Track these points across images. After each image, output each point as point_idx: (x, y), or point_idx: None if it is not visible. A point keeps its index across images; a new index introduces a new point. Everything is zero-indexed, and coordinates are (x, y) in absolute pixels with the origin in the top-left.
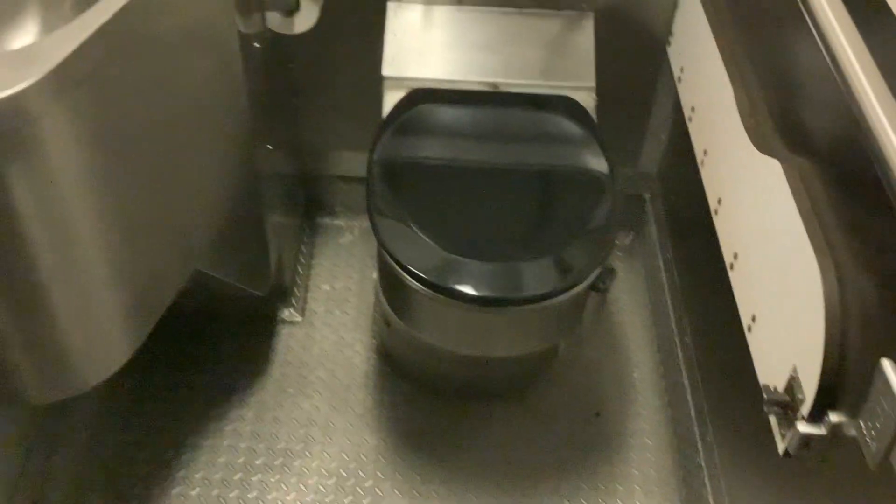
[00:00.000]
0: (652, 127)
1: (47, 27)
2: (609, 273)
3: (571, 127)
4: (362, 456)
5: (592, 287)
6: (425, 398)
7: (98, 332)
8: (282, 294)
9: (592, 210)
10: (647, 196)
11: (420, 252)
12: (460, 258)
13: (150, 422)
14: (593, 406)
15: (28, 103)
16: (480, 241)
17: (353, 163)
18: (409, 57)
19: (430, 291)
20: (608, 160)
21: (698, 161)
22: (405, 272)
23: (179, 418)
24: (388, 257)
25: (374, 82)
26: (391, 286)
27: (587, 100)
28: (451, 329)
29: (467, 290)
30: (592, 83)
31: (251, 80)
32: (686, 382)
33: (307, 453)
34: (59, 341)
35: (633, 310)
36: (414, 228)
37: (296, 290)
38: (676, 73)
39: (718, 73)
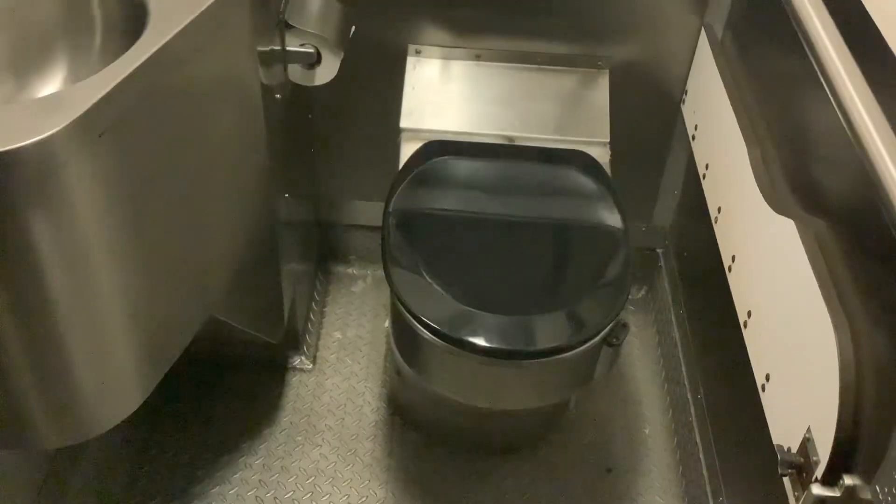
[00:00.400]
0: (665, 182)
1: (74, 76)
2: (622, 328)
3: (586, 181)
4: None
5: (605, 342)
6: (434, 450)
7: (112, 376)
8: (294, 341)
9: (606, 264)
10: (659, 251)
11: (434, 303)
12: (474, 310)
13: (158, 468)
14: (605, 462)
15: (53, 149)
16: (494, 294)
17: (368, 212)
18: (427, 109)
19: (442, 342)
20: (622, 215)
21: (712, 218)
22: (418, 322)
23: (187, 464)
24: (401, 307)
25: (392, 133)
26: (404, 336)
27: (602, 154)
28: (463, 381)
29: (480, 341)
30: (607, 138)
31: (272, 130)
32: (698, 440)
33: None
34: (73, 385)
35: (645, 364)
36: (428, 279)
37: (308, 337)
38: (690, 130)
39: (732, 132)
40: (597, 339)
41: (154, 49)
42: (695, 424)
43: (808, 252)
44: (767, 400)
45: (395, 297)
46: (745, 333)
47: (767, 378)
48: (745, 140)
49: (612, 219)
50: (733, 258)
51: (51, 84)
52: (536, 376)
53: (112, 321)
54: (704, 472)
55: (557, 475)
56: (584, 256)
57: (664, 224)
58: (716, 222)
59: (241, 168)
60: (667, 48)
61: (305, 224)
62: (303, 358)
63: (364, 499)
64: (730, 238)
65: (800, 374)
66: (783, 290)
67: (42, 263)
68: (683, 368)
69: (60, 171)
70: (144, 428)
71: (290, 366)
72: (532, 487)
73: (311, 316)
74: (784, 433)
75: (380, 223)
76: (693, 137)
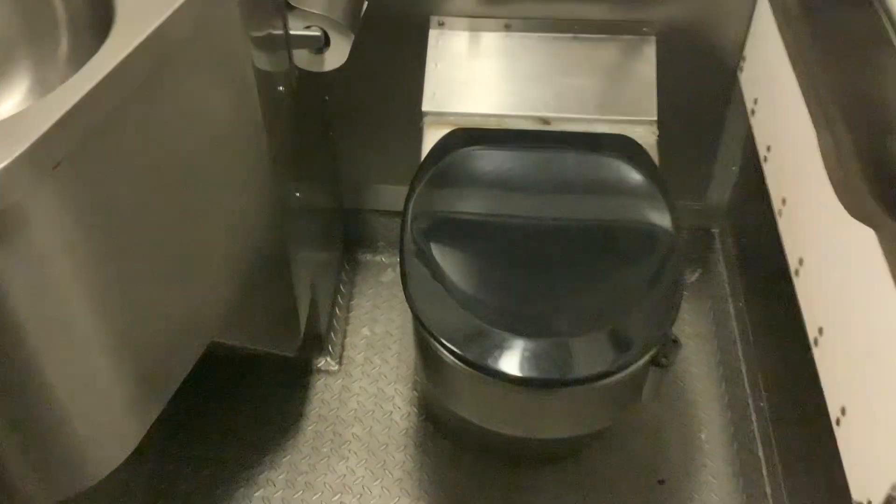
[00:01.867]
0: (722, 156)
1: (40, 87)
2: (673, 345)
3: (631, 173)
4: None
5: (653, 362)
6: (470, 460)
7: (102, 424)
8: (317, 340)
9: (653, 274)
10: (715, 231)
11: (458, 324)
12: (503, 332)
13: (175, 485)
14: (656, 472)
15: (8, 183)
16: (526, 312)
17: (394, 197)
18: (452, 90)
19: (467, 368)
20: (672, 213)
21: (775, 209)
22: (440, 346)
23: (206, 482)
24: (422, 329)
25: (415, 115)
26: (426, 356)
27: (648, 136)
28: (492, 408)
29: (510, 369)
30: (654, 115)
31: (275, 122)
32: (761, 453)
33: None
34: (59, 438)
35: (699, 359)
36: (452, 297)
37: (333, 335)
38: (749, 104)
39: (798, 110)
40: (642, 361)
41: (114, 63)
42: (756, 434)
43: (891, 268)
44: (843, 438)
45: (415, 317)
46: (816, 353)
47: (843, 412)
48: (814, 122)
49: (661, 218)
50: (801, 261)
51: (13, 98)
52: (574, 404)
53: (96, 364)
54: (767, 488)
55: (605, 487)
56: (628, 264)
57: (720, 202)
58: (780, 215)
59: (240, 168)
60: (721, 9)
61: (327, 213)
62: (328, 358)
63: None
64: (796, 237)
65: (883, 413)
66: (862, 309)
67: (11, 310)
68: (743, 369)
69: (19, 207)
70: (159, 439)
71: (314, 368)
72: (578, 502)
73: (337, 310)
74: (863, 485)
75: None
76: (752, 112)
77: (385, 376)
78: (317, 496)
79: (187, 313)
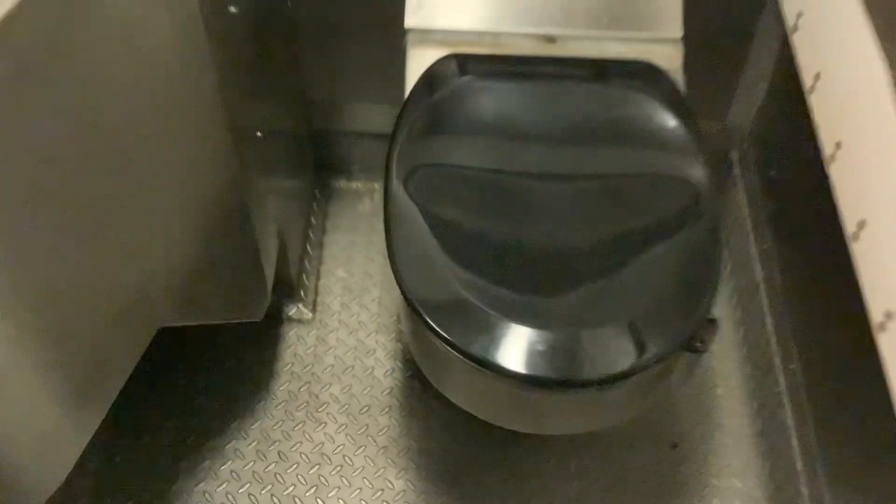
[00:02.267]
0: (749, 75)
1: None
2: (709, 326)
3: (654, 109)
4: None
5: (686, 347)
6: (464, 423)
7: (37, 440)
8: (288, 285)
9: (688, 245)
10: (734, 156)
11: (456, 309)
12: (511, 322)
13: (131, 460)
14: (669, 435)
15: None
16: (537, 295)
17: (371, 116)
18: (440, 0)
19: (470, 363)
20: (704, 157)
21: (825, 155)
22: (437, 337)
23: (166, 455)
24: (414, 315)
25: (393, 20)
26: (420, 343)
27: (672, 57)
28: (497, 405)
29: (518, 367)
30: (679, 32)
31: (227, 56)
32: (789, 412)
33: (318, 501)
34: None
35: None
36: (449, 277)
37: (305, 278)
38: (791, 18)
39: (859, 33)
40: (674, 352)
41: None
42: (785, 397)
43: None
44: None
45: (406, 301)
46: (855, 248)
47: (889, 316)
48: (883, 50)
49: (692, 166)
50: (861, 224)
51: None
52: (593, 403)
53: (18, 376)
54: (796, 445)
55: (613, 453)
56: (656, 229)
57: (743, 123)
58: (832, 161)
59: (184, 110)
60: None
61: (294, 139)
62: (300, 306)
63: (379, 492)
64: (855, 195)
65: None
66: None
67: None
68: (768, 318)
69: None
70: (112, 407)
71: (285, 316)
72: (584, 469)
73: (309, 249)
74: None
75: (386, 128)
76: (795, 29)
77: (365, 325)
78: (291, 468)
79: (127, 298)
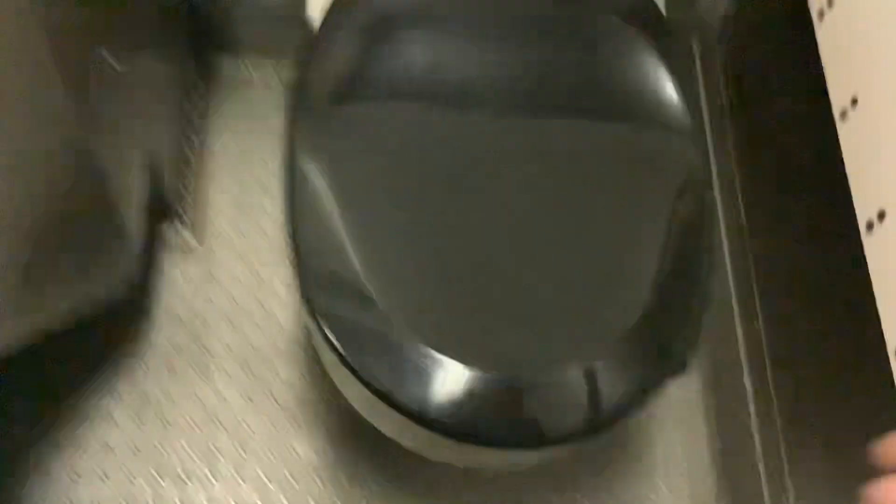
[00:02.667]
0: None
1: None
2: (678, 372)
3: (634, 45)
4: (290, 477)
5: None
6: None
7: None
8: (165, 209)
9: (672, 274)
10: (695, 48)
11: (383, 349)
12: (452, 361)
13: None
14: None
15: None
16: (486, 322)
17: None
18: None
19: (402, 417)
20: (692, 117)
21: (837, 111)
22: (362, 383)
23: (25, 426)
24: (332, 354)
25: None
26: (345, 381)
27: None
28: (441, 453)
29: (457, 426)
30: None
31: None
32: (748, 385)
33: (211, 479)
34: None
35: None
36: (373, 297)
37: (185, 190)
38: None
39: None
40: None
41: None
42: (743, 362)
43: None
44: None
45: (320, 334)
46: (866, 242)
47: None
48: None
49: (683, 143)
50: (881, 215)
51: None
52: (549, 455)
53: None
54: (754, 430)
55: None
56: (632, 241)
57: (712, 6)
58: (843, 119)
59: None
60: None
61: (162, 13)
62: (182, 231)
63: (282, 463)
64: (876, 187)
65: None
66: None
67: None
68: (728, 266)
69: None
70: None
71: (165, 246)
72: None
73: (190, 154)
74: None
75: None
76: None
77: (260, 252)
78: (178, 440)
79: None
